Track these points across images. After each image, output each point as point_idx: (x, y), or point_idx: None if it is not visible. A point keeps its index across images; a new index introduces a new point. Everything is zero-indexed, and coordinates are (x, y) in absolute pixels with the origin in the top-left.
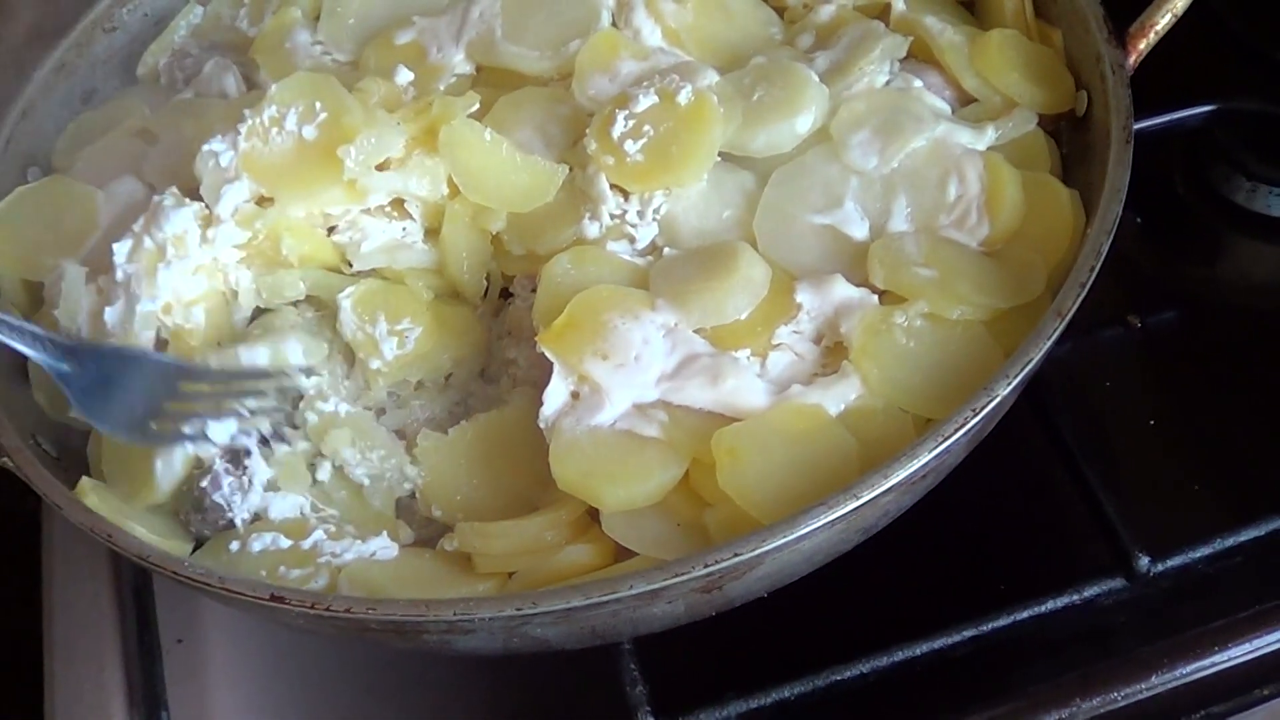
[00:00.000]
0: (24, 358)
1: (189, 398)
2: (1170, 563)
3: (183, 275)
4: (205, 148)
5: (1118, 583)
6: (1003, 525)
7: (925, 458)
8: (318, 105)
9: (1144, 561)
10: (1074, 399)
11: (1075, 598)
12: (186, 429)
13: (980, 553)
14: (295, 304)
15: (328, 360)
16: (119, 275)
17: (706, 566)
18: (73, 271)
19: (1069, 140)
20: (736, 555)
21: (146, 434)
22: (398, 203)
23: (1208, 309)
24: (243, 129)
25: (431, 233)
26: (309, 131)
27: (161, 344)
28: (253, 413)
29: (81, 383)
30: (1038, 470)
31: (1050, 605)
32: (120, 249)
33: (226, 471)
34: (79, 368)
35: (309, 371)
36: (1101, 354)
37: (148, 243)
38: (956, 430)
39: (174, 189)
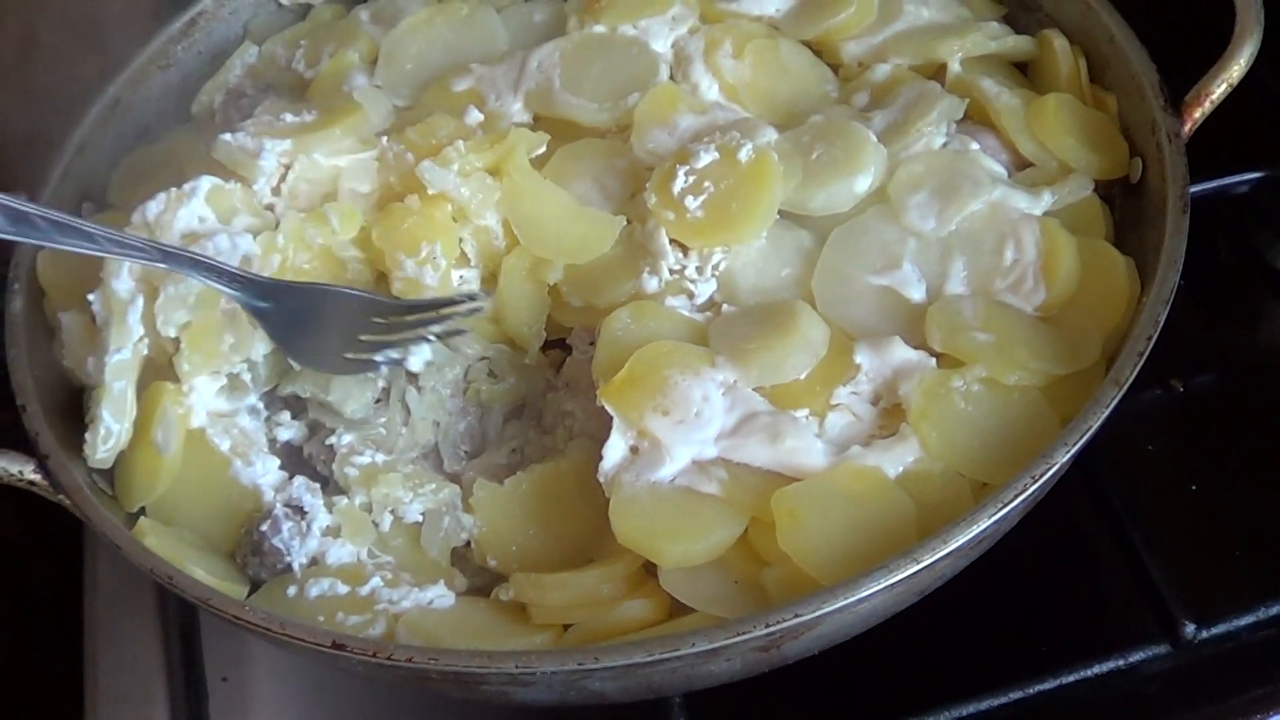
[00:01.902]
0: (80, 395)
1: (381, 329)
2: (1215, 630)
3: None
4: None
5: (1163, 649)
6: (1048, 587)
7: (985, 523)
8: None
9: (1190, 629)
10: (1117, 462)
11: (1120, 663)
12: (379, 357)
13: (1026, 615)
14: None
15: (385, 408)
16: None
17: (768, 626)
18: (67, 320)
19: (1122, 206)
20: (798, 616)
21: (342, 364)
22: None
23: (1249, 373)
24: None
25: (488, 281)
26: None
27: None
28: (439, 337)
29: (278, 319)
30: (1083, 533)
31: (1096, 670)
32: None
33: (286, 516)
34: (276, 305)
35: (356, 425)
36: (1144, 417)
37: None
38: (1016, 497)
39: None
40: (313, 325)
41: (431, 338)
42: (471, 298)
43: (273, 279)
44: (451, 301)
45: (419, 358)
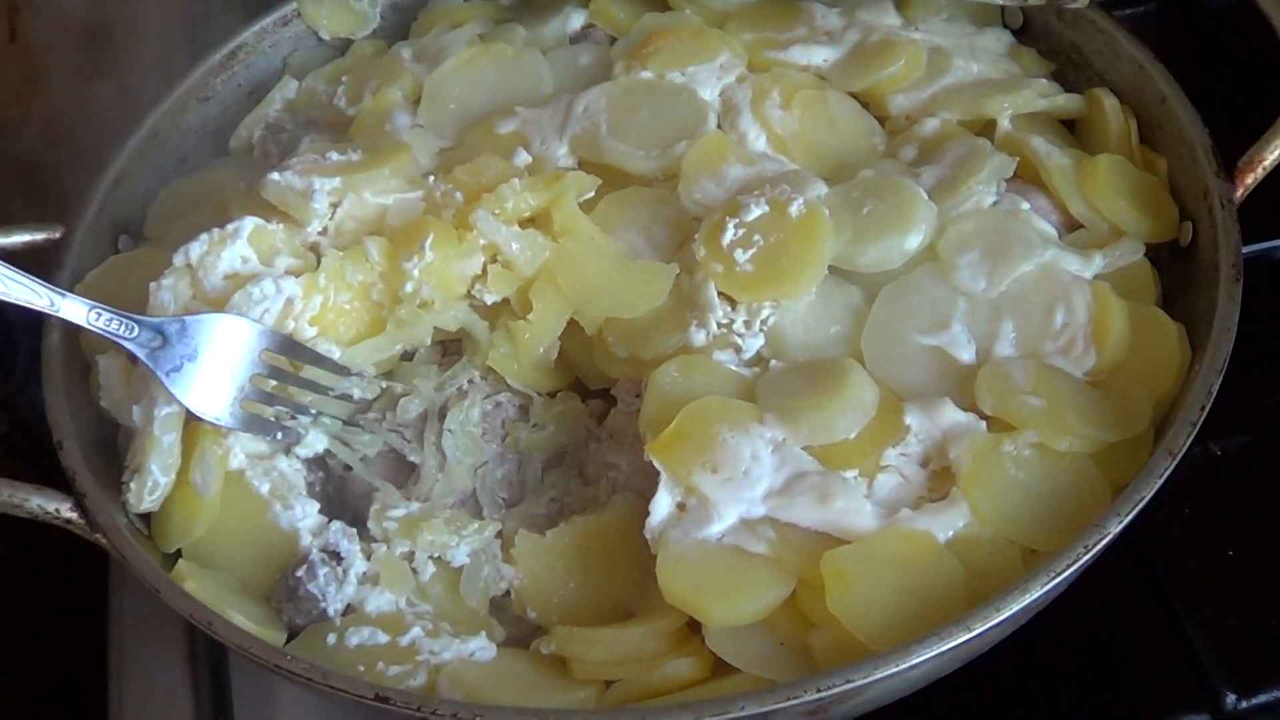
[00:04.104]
0: (115, 430)
1: (271, 374)
2: (1256, 700)
3: None
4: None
5: (1203, 719)
6: (1086, 652)
7: (1037, 593)
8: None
9: (1230, 698)
10: (1154, 524)
11: None
12: (270, 415)
13: (1063, 680)
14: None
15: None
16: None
17: (819, 691)
18: (105, 363)
19: (1170, 269)
20: (849, 681)
21: (235, 416)
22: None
23: None
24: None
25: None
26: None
27: None
28: (315, 418)
29: (170, 363)
30: (1122, 597)
31: None
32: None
33: (322, 562)
34: (166, 347)
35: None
36: (1181, 479)
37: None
38: (1069, 566)
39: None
40: (203, 366)
41: (313, 413)
42: (359, 379)
43: (158, 316)
44: (342, 369)
45: (310, 447)
